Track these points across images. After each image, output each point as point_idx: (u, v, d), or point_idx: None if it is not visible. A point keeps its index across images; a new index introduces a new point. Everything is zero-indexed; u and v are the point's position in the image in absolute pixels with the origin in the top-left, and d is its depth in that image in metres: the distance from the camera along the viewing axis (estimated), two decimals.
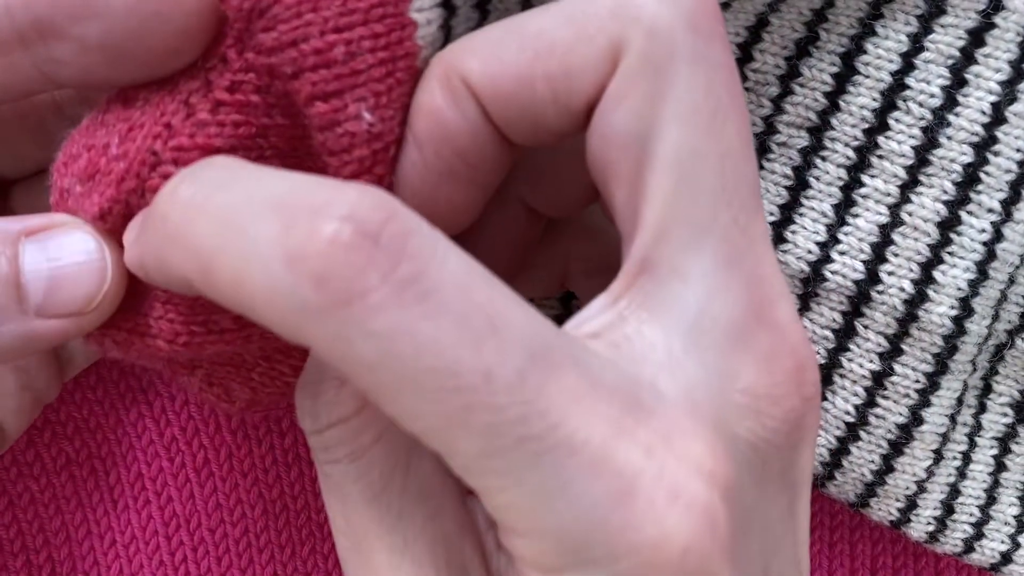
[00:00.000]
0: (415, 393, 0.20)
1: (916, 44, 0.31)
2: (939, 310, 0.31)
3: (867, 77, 0.31)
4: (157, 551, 0.38)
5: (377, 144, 0.25)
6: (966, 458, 0.35)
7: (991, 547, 0.35)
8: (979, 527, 0.35)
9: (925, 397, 0.32)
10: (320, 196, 0.20)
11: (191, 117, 0.24)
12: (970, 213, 0.31)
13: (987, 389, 0.35)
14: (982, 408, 0.35)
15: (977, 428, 0.35)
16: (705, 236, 0.23)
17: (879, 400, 0.32)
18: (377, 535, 0.24)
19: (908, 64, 0.31)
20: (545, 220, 0.29)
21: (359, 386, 0.21)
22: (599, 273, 0.30)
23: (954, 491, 0.34)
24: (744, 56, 0.32)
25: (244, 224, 0.20)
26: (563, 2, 0.24)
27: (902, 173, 0.31)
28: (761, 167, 0.32)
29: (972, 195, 0.31)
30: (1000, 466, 0.35)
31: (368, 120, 0.24)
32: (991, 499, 0.35)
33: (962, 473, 0.35)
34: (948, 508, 0.34)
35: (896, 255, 0.31)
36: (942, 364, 0.32)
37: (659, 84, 0.23)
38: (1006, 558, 0.35)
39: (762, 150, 0.32)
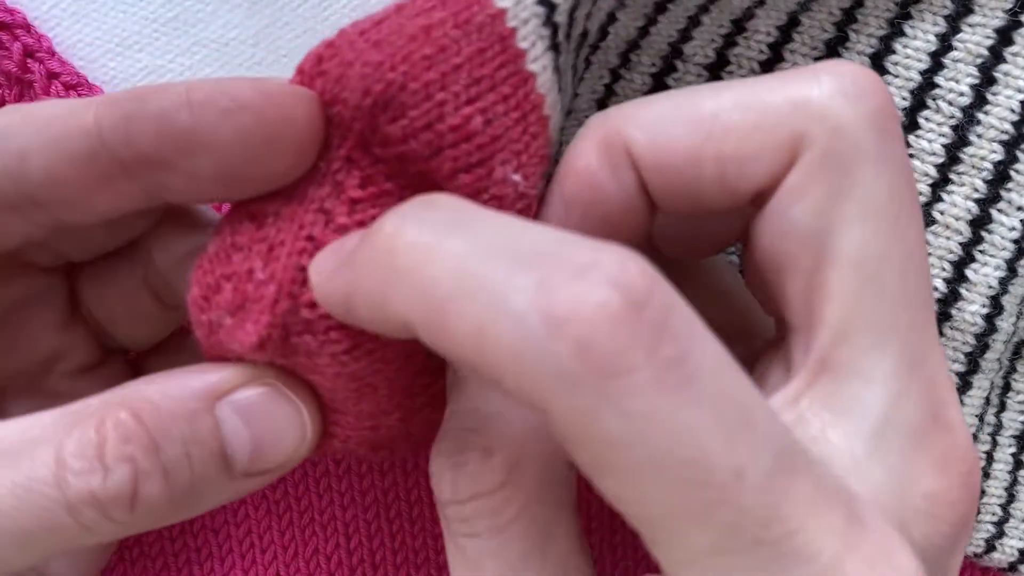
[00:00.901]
0: (657, 480, 0.19)
1: (945, 43, 0.30)
2: (971, 308, 0.31)
3: (896, 77, 0.31)
4: (161, 553, 0.37)
5: (523, 202, 0.24)
6: (989, 458, 0.34)
7: (1011, 545, 0.35)
8: (1000, 525, 0.35)
9: (958, 397, 0.32)
10: (582, 254, 0.19)
11: (331, 223, 0.24)
12: (1000, 211, 0.31)
13: (1006, 387, 0.35)
14: (1002, 406, 0.35)
15: (999, 427, 0.35)
16: (888, 338, 0.23)
17: None
18: None
19: (937, 63, 0.30)
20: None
21: (583, 460, 0.19)
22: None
23: (980, 492, 0.34)
24: (775, 56, 0.31)
25: (490, 273, 0.19)
26: (737, 86, 0.24)
27: (933, 172, 0.31)
28: None
29: (1003, 193, 0.31)
30: (1018, 464, 0.35)
31: (516, 181, 0.24)
32: (1010, 497, 0.35)
33: (986, 473, 0.34)
34: None
35: (928, 254, 0.31)
36: (974, 363, 0.32)
37: (843, 182, 0.22)
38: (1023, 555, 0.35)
39: None
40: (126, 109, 0.23)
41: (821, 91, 0.23)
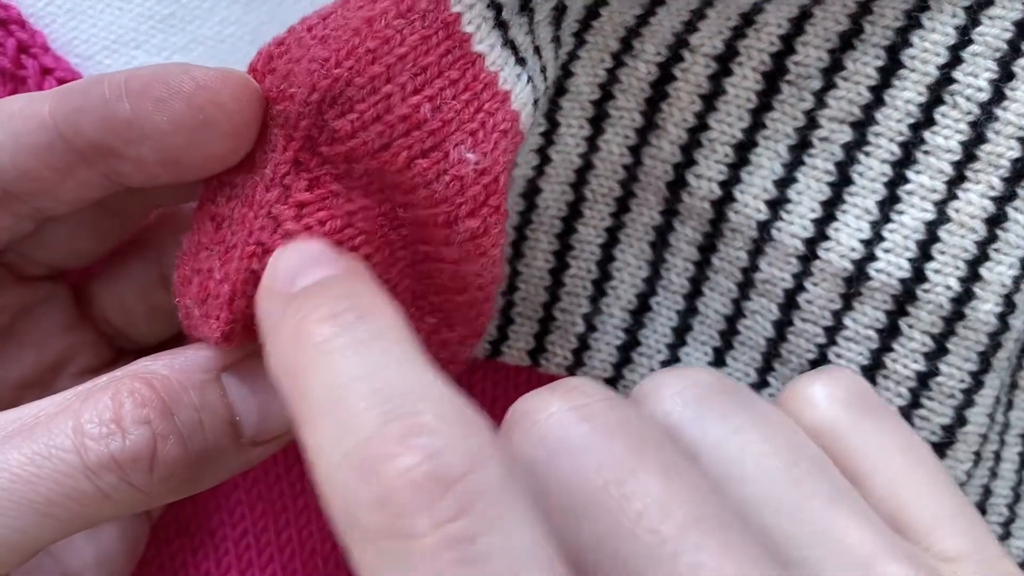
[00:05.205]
0: None
1: (964, 37, 0.29)
2: (985, 307, 0.30)
3: (913, 71, 0.30)
4: (157, 555, 0.36)
5: (486, 178, 0.25)
6: (997, 457, 0.34)
7: (1017, 545, 0.34)
8: (1007, 526, 0.34)
9: (969, 397, 0.31)
10: (426, 416, 0.19)
11: (279, 229, 0.24)
12: (1016, 209, 0.30)
13: (1013, 385, 0.34)
14: (1009, 405, 0.34)
15: (1006, 425, 0.34)
16: None
17: (924, 401, 0.31)
18: None
19: (955, 57, 0.29)
20: None
21: None
22: None
23: (987, 492, 0.33)
24: (786, 48, 0.30)
25: (350, 403, 0.20)
26: None
27: (948, 169, 0.30)
28: (802, 162, 0.31)
29: (1019, 190, 0.30)
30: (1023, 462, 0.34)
31: (473, 160, 0.24)
32: (1017, 496, 0.34)
33: (994, 473, 0.34)
34: (981, 509, 0.33)
35: (943, 252, 0.30)
36: (986, 362, 0.31)
37: None
38: None
39: (803, 145, 0.31)
40: (75, 101, 0.24)
41: None
